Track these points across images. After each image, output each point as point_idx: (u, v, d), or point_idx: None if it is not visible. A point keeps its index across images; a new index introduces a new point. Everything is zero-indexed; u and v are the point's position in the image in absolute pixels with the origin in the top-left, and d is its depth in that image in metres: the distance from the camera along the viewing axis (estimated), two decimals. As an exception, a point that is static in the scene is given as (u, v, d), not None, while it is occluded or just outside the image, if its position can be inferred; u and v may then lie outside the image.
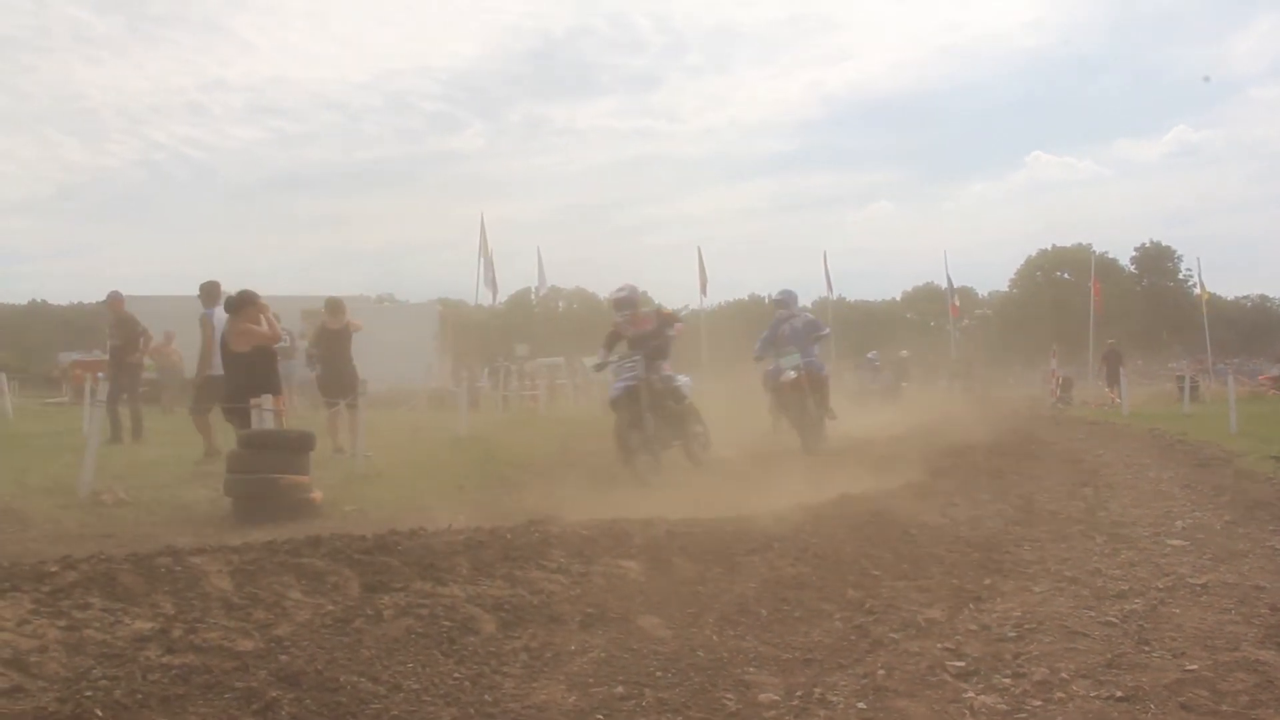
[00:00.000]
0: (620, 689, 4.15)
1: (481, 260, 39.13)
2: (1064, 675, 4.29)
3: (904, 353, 26.17)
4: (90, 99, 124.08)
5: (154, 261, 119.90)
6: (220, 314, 13.06)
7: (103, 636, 4.38)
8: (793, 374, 13.81)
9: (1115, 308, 57.13)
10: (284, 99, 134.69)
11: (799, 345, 14.28)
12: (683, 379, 12.74)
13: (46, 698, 3.62)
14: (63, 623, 4.46)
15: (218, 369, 12.75)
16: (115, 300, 16.67)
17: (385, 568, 5.60)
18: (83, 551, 5.80)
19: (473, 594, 5.30)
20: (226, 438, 11.31)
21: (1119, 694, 4.04)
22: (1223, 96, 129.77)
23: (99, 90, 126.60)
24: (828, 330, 15.17)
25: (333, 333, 15.00)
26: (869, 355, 26.18)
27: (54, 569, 5.13)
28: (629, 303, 12.70)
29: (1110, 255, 79.30)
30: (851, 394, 24.46)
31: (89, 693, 3.65)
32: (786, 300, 14.96)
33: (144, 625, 4.56)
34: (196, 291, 13.88)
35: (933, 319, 77.29)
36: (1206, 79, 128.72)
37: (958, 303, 59.39)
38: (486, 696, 4.03)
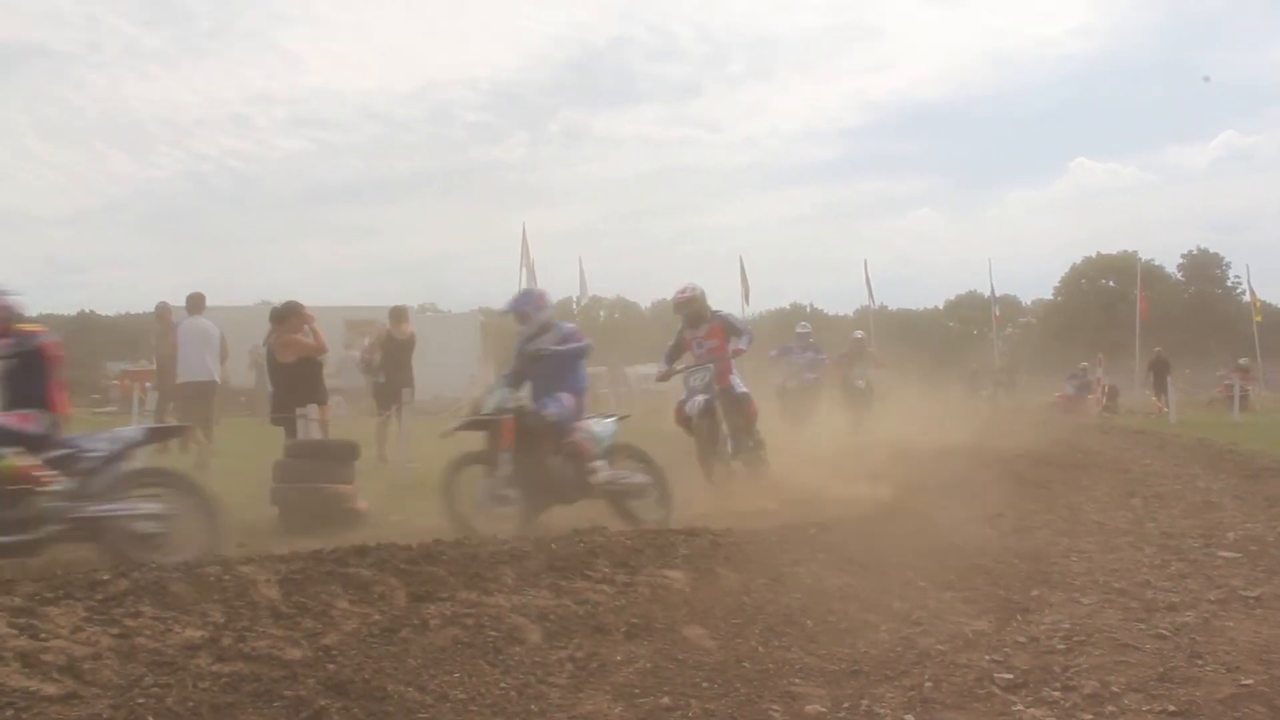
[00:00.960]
0: (666, 699, 4.15)
1: (523, 270, 39.30)
2: (1115, 689, 4.24)
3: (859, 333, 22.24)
4: (138, 112, 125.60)
5: (200, 272, 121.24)
6: (189, 324, 14.64)
7: (154, 644, 4.42)
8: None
9: (1162, 315, 56.47)
10: (327, 110, 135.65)
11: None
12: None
13: (101, 704, 3.67)
14: (115, 630, 4.51)
15: (182, 375, 14.39)
16: (164, 310, 16.87)
17: (431, 577, 5.62)
18: (136, 561, 5.88)
19: (518, 604, 5.32)
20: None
21: (1172, 708, 3.99)
22: (1274, 100, 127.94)
23: (146, 104, 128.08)
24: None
25: (398, 342, 15.08)
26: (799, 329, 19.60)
27: (106, 577, 5.20)
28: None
29: (1157, 262, 78.48)
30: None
31: (141, 700, 3.70)
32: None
33: (194, 633, 4.61)
34: (245, 303, 14.20)
35: (975, 327, 76.72)
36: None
37: (999, 312, 58.97)
38: (532, 706, 4.04)
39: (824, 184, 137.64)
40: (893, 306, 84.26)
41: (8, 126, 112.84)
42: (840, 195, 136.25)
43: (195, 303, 14.92)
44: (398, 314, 15.52)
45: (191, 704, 3.69)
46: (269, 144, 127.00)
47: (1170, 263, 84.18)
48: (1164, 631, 5.13)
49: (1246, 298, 51.42)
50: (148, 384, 17.28)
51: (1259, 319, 46.62)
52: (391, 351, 15.12)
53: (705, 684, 4.37)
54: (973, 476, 11.17)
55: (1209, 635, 5.07)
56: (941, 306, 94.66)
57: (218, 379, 14.93)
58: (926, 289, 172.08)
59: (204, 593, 5.12)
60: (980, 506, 9.11)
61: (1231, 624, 5.30)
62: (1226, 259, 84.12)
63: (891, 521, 8.01)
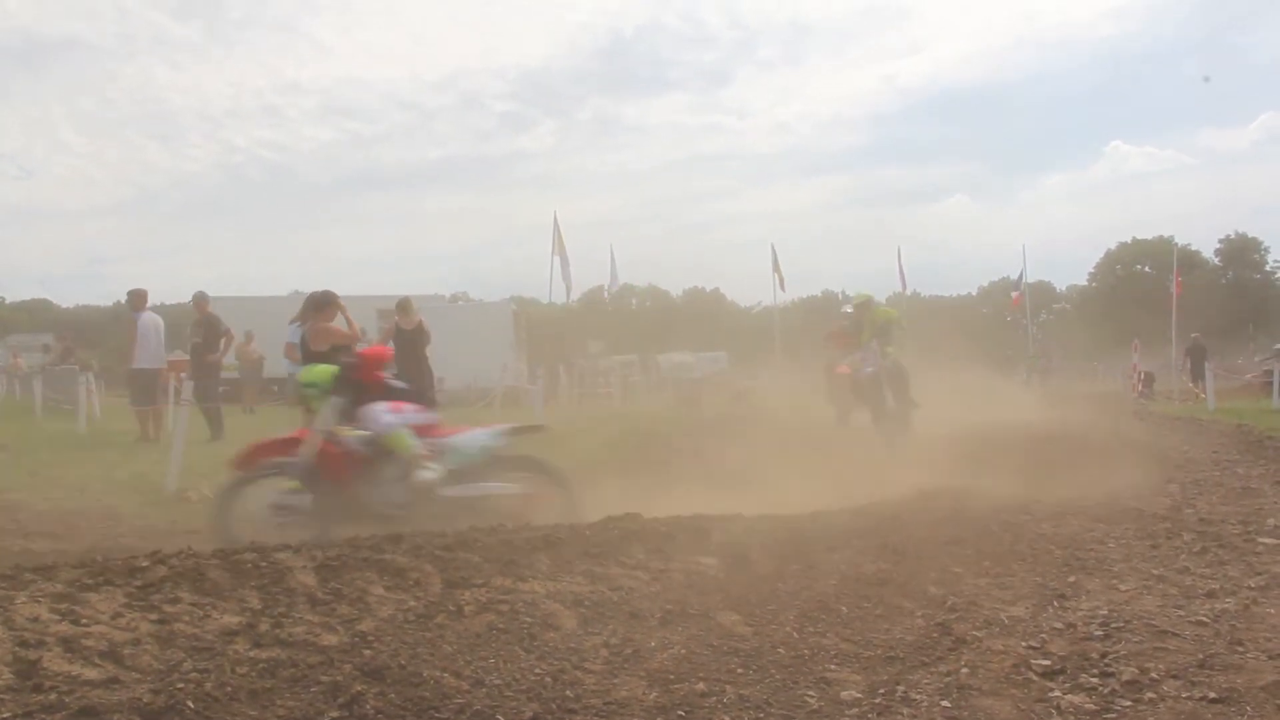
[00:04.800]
0: (701, 685, 4.14)
1: (555, 258, 39.43)
2: (1154, 675, 4.20)
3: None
4: (170, 103, 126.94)
5: (233, 262, 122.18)
6: (146, 318, 16.41)
7: (192, 630, 4.47)
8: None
9: (1199, 301, 55.95)
10: (357, 100, 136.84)
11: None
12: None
13: (140, 689, 3.71)
14: (154, 616, 4.56)
15: (140, 363, 16.15)
16: (200, 300, 17.09)
17: (466, 564, 5.65)
18: (171, 547, 5.93)
19: (553, 590, 5.34)
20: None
21: (1212, 695, 3.94)
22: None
23: (179, 94, 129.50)
24: None
25: (406, 333, 15.17)
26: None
27: (145, 564, 5.26)
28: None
29: (1193, 247, 77.76)
30: None
31: (180, 685, 3.72)
32: None
33: (232, 619, 4.65)
34: (278, 293, 14.59)
35: (1009, 314, 76.24)
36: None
37: (1019, 292, 58.44)
38: (567, 692, 4.04)
39: (856, 170, 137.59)
40: (925, 293, 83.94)
41: (43, 119, 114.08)
42: (873, 181, 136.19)
43: (140, 299, 16.59)
44: (403, 305, 15.56)
45: (229, 689, 3.72)
46: (300, 134, 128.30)
47: (1208, 248, 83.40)
48: (1203, 618, 5.07)
49: (1286, 282, 50.90)
50: (183, 373, 17.47)
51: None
52: (401, 343, 15.21)
53: (740, 670, 4.36)
54: (1003, 462, 11.10)
55: (1250, 622, 5.01)
56: (975, 293, 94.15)
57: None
58: (960, 275, 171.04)
59: (241, 579, 5.16)
60: (1014, 492, 9.06)
61: (1273, 610, 5.24)
62: (1265, 243, 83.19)
63: (925, 508, 7.97)
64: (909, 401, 13.63)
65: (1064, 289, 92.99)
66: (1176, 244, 57.52)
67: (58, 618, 4.39)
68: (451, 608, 4.94)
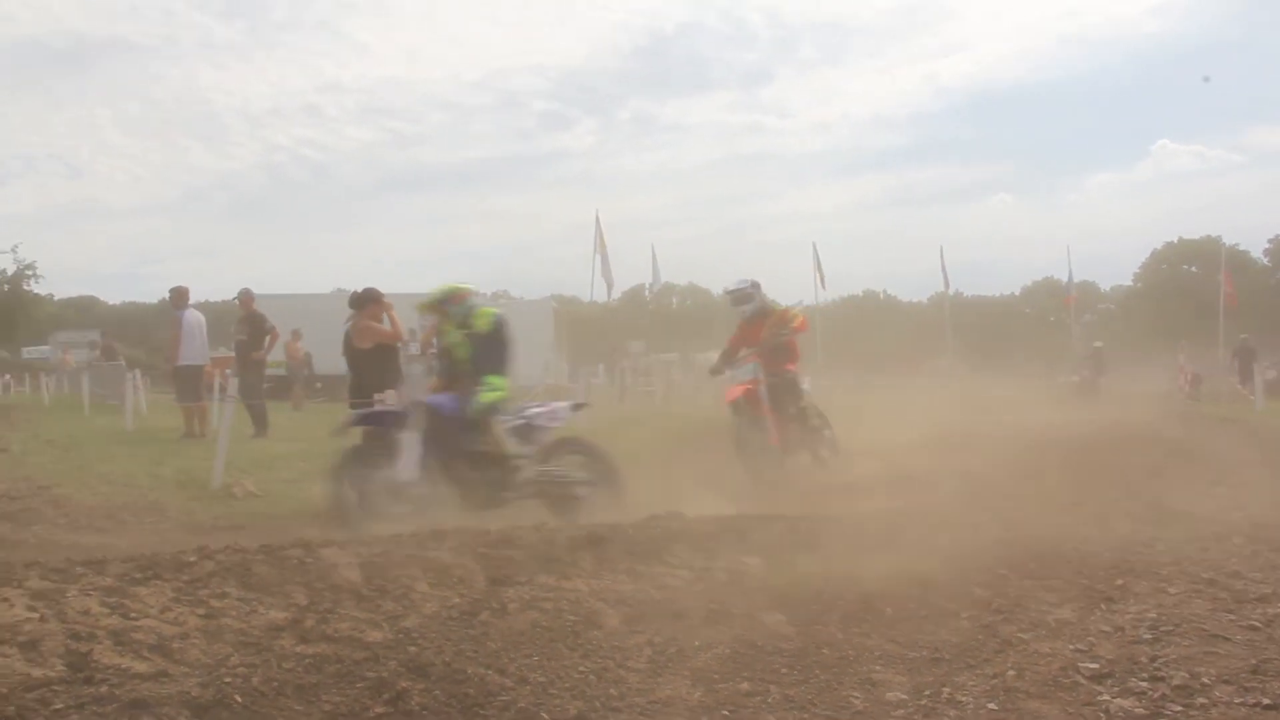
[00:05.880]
0: (745, 685, 4.14)
1: (597, 256, 39.46)
2: (1205, 680, 4.13)
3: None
4: (214, 103, 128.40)
5: (277, 260, 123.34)
6: (189, 315, 16.43)
7: (240, 625, 4.50)
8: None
9: (1246, 302, 55.19)
10: (397, 99, 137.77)
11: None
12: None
13: (189, 682, 3.74)
14: (202, 611, 4.60)
15: (185, 359, 16.15)
16: (246, 297, 17.25)
17: (509, 561, 5.67)
18: (217, 543, 5.98)
19: (596, 588, 5.34)
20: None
21: (1266, 701, 3.88)
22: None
23: (222, 95, 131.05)
24: None
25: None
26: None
27: (192, 559, 5.31)
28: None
29: (1242, 247, 76.67)
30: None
31: (228, 679, 3.76)
32: None
33: (278, 615, 4.68)
34: (321, 290, 14.69)
35: (1052, 314, 75.53)
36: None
37: (1074, 294, 58.06)
38: (612, 691, 4.04)
39: (898, 169, 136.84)
40: (968, 293, 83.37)
41: (90, 120, 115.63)
42: (915, 181, 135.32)
43: (182, 297, 16.67)
44: None
45: (276, 684, 3.75)
46: (341, 133, 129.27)
47: (1256, 247, 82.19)
48: (1255, 623, 4.99)
49: (1336, 282, 50.23)
50: (228, 370, 17.65)
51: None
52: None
53: (784, 670, 4.35)
54: (1050, 463, 11.00)
55: (1303, 627, 4.93)
56: (1018, 293, 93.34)
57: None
58: (1003, 275, 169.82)
59: (287, 575, 5.20)
60: (1060, 494, 8.97)
61: (1325, 615, 5.15)
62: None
63: (970, 509, 7.91)
64: (807, 429, 11.12)
65: (1109, 289, 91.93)
66: (1225, 244, 56.83)
67: (108, 611, 4.44)
68: (495, 605, 4.96)
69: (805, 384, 11.42)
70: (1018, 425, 15.33)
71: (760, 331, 11.30)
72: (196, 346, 16.41)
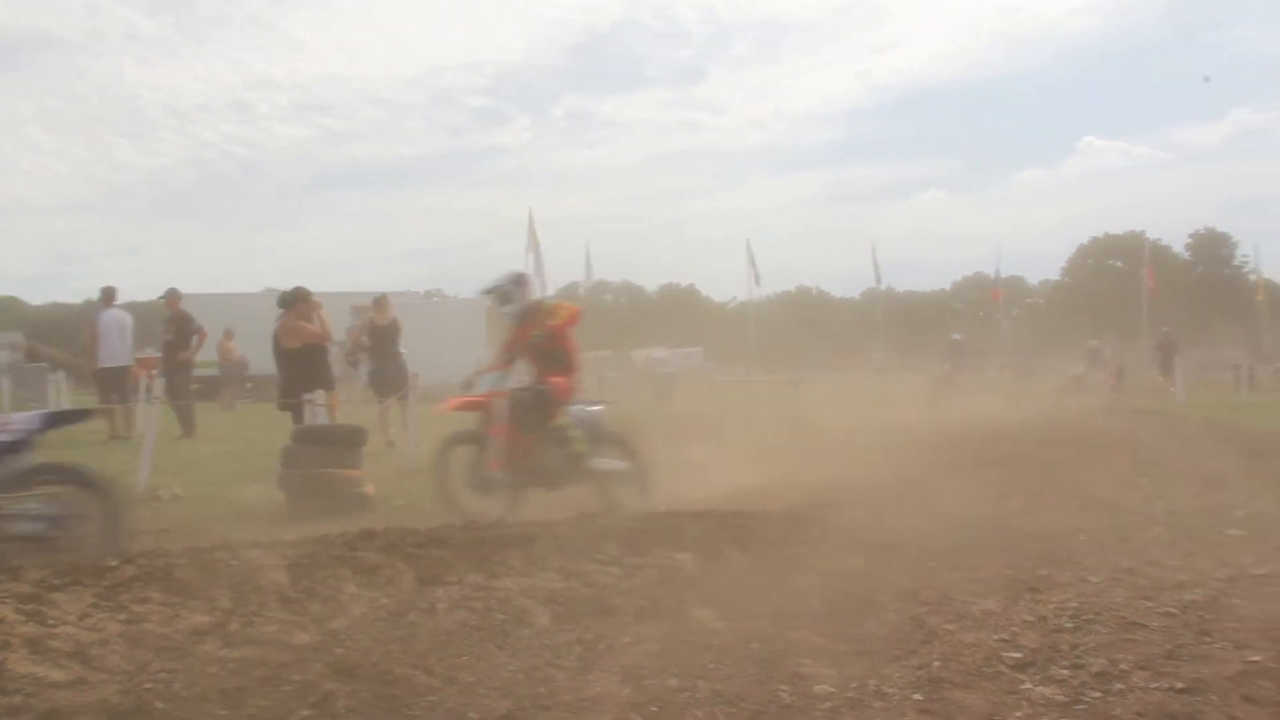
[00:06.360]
0: (674, 681, 4.14)
1: (530, 254, 39.39)
2: (1123, 666, 4.22)
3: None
4: (140, 99, 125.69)
5: (207, 259, 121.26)
6: (108, 316, 16.26)
7: (162, 630, 4.44)
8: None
9: (1169, 296, 56.33)
10: (330, 96, 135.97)
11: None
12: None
13: (108, 689, 3.68)
14: (123, 616, 4.53)
15: (106, 361, 15.95)
16: (172, 297, 17.01)
17: (439, 561, 5.63)
18: (141, 547, 5.88)
19: (526, 587, 5.33)
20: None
21: (1180, 685, 3.97)
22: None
23: (148, 90, 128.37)
24: None
25: (381, 329, 15.20)
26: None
27: (113, 564, 5.21)
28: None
29: (1164, 242, 78.21)
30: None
31: (149, 685, 3.71)
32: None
33: (202, 619, 4.62)
34: (252, 290, 14.54)
35: (982, 309, 76.54)
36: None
37: (1001, 289, 58.98)
38: (541, 689, 4.03)
39: (831, 166, 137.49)
40: (900, 288, 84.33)
41: (11, 116, 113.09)
42: (848, 177, 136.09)
43: (109, 296, 16.63)
44: (379, 302, 15.72)
45: (199, 689, 3.70)
46: (272, 130, 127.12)
47: (1178, 242, 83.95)
48: (1172, 610, 5.10)
49: (1254, 277, 51.49)
50: (154, 371, 17.38)
51: (1260, 298, 46.76)
52: (377, 339, 15.31)
53: (713, 665, 4.36)
54: (979, 457, 11.17)
55: (1217, 613, 5.04)
56: (949, 288, 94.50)
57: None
58: (934, 271, 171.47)
59: (212, 578, 5.13)
60: (988, 487, 9.10)
61: (1239, 601, 5.27)
62: (1235, 238, 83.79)
63: (899, 503, 7.99)
64: (568, 456, 9.08)
65: (1037, 284, 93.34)
66: (1148, 239, 57.99)
67: (23, 618, 4.35)
68: (424, 605, 4.93)
69: (596, 406, 9.74)
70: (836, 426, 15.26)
71: (527, 335, 9.50)
72: (118, 347, 16.14)
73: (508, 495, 8.67)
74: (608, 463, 9.14)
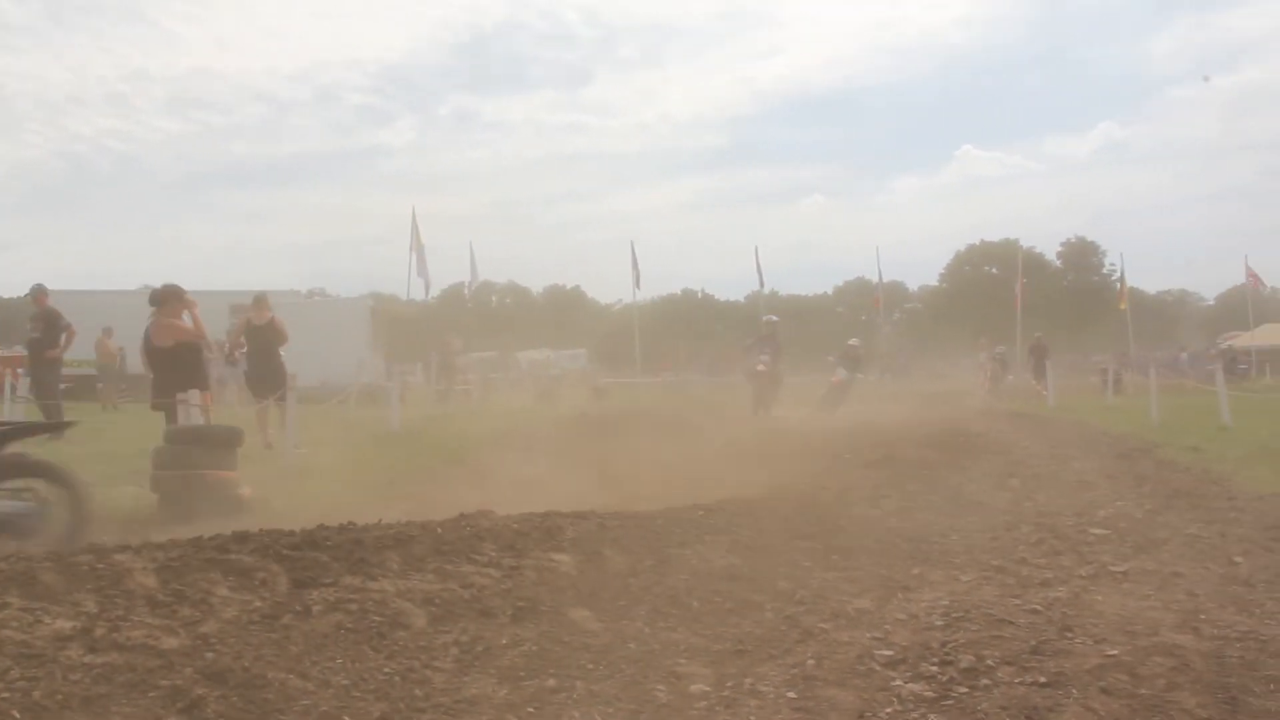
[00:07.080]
0: (551, 681, 4.15)
1: (413, 254, 39.06)
2: (990, 662, 4.34)
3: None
4: (5, 88, 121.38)
5: (80, 255, 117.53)
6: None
7: (21, 636, 4.27)
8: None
9: (1042, 302, 58.11)
10: (209, 91, 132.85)
11: None
12: None
13: (-38, 699, 3.54)
14: (-20, 622, 4.36)
15: None
16: (39, 293, 16.45)
17: (314, 563, 5.53)
18: (2, 550, 5.68)
19: (403, 588, 5.26)
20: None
21: (1042, 679, 4.10)
22: (1148, 94, 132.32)
23: (15, 79, 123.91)
24: None
25: (258, 328, 14.90)
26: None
27: (-30, 569, 5.02)
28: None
29: (1038, 250, 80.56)
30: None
31: (6, 694, 3.57)
32: None
33: (65, 624, 4.46)
34: (128, 287, 14.20)
35: (864, 313, 78.00)
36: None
37: (880, 295, 60.33)
38: (417, 691, 4.00)
39: (716, 170, 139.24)
40: (784, 292, 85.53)
41: None
42: (732, 182, 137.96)
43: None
44: (258, 300, 15.37)
45: (60, 697, 3.58)
46: (148, 124, 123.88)
47: (1051, 250, 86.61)
48: (1037, 606, 5.27)
49: (1120, 287, 53.40)
50: (20, 369, 16.81)
51: (1123, 306, 48.60)
52: (254, 339, 14.99)
53: (591, 665, 4.38)
54: (856, 458, 11.38)
55: (1079, 609, 5.22)
56: (831, 292, 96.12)
57: None
58: (817, 275, 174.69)
59: (76, 582, 4.96)
60: (864, 488, 9.28)
61: (1100, 598, 5.47)
62: (1103, 247, 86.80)
63: (777, 503, 8.10)
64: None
65: (916, 289, 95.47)
66: (1022, 246, 59.70)
67: (-128, 626, 4.17)
68: (298, 608, 4.83)
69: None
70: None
71: None
72: None
73: None
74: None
